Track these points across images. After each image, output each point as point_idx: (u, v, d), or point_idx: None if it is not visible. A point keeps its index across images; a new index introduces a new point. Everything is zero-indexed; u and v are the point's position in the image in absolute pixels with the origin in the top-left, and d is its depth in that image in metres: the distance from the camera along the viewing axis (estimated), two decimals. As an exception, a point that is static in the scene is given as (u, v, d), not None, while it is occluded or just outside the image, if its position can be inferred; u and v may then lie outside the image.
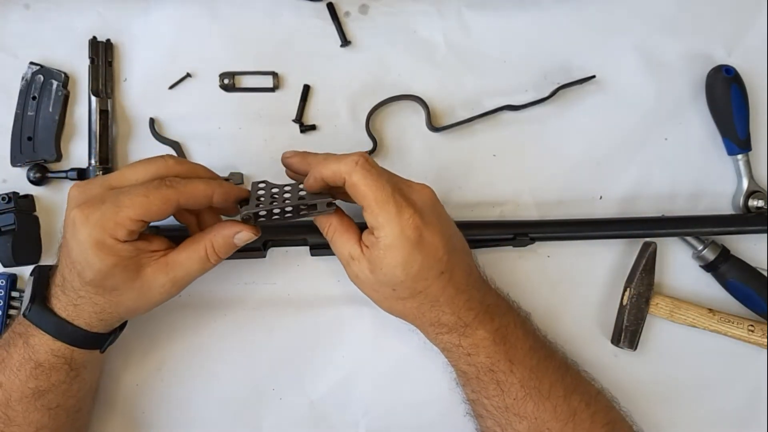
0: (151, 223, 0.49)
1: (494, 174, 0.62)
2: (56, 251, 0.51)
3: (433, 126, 0.61)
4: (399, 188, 0.48)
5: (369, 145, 0.61)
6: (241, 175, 0.61)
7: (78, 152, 0.61)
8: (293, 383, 0.61)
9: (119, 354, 0.59)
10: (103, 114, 0.60)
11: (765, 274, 0.61)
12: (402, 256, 0.47)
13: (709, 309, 0.61)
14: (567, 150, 0.63)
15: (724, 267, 0.60)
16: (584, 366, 0.59)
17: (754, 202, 0.62)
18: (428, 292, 0.49)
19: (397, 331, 0.57)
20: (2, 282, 0.59)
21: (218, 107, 0.62)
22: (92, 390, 0.56)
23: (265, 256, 0.59)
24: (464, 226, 0.55)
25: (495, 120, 0.62)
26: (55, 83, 0.60)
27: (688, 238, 0.62)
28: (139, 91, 0.62)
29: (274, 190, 0.51)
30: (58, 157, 0.60)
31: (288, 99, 0.62)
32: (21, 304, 0.59)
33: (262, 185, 0.52)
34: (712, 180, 0.63)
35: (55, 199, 0.60)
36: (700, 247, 0.61)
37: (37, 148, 0.60)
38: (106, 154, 0.60)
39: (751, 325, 0.60)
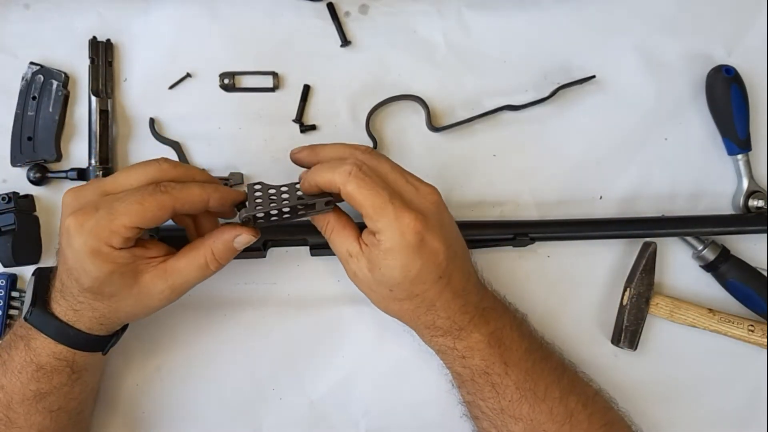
0: None
1: (494, 174, 0.62)
2: (56, 253, 0.51)
3: (433, 126, 0.61)
4: (399, 193, 0.48)
5: (369, 146, 0.61)
6: (241, 175, 0.61)
7: (78, 152, 0.61)
8: (293, 383, 0.61)
9: (119, 354, 0.59)
10: (103, 114, 0.60)
11: (765, 274, 0.61)
12: (401, 259, 0.47)
13: (709, 309, 0.61)
14: (567, 150, 0.63)
15: (724, 267, 0.60)
16: (584, 366, 0.59)
17: (754, 202, 0.62)
18: (425, 296, 0.49)
19: (397, 331, 0.57)
20: (2, 282, 0.59)
21: (218, 107, 0.62)
22: (93, 392, 0.56)
23: (265, 256, 0.59)
24: (464, 226, 0.55)
25: (495, 120, 0.62)
26: (55, 83, 0.60)
27: (688, 238, 0.62)
28: (139, 91, 0.61)
29: (271, 191, 0.51)
30: (58, 157, 0.60)
31: (288, 99, 0.62)
32: (22, 306, 0.59)
33: (258, 187, 0.51)
34: (712, 180, 0.63)
35: (55, 199, 0.61)
36: (700, 247, 0.61)
37: (37, 148, 0.60)
38: (106, 154, 0.60)
39: (751, 325, 0.60)
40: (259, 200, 0.50)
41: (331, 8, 0.62)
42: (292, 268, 0.61)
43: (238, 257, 0.52)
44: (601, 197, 0.63)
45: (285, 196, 0.50)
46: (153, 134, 0.61)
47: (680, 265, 0.63)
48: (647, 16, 0.64)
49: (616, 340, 0.61)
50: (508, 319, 0.53)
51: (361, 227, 0.50)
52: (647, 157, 0.63)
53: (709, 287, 0.62)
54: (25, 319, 0.50)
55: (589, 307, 0.62)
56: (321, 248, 0.57)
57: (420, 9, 0.63)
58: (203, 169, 0.52)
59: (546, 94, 0.62)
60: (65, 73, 0.60)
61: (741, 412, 0.62)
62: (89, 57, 0.60)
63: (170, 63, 0.61)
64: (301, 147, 0.53)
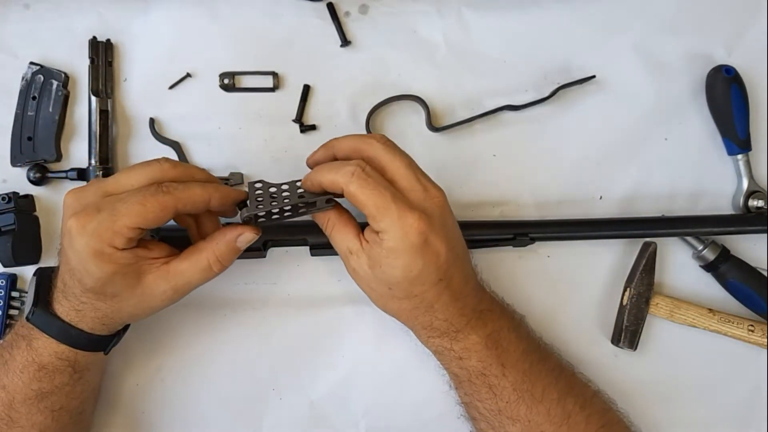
0: None
1: (494, 174, 0.62)
2: (56, 253, 0.51)
3: (433, 126, 0.61)
4: (403, 192, 0.48)
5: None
6: (241, 175, 0.61)
7: (78, 152, 0.61)
8: (293, 383, 0.61)
9: (120, 354, 0.59)
10: (103, 114, 0.60)
11: (765, 274, 0.61)
12: (404, 259, 0.47)
13: (709, 309, 0.61)
14: (567, 150, 0.63)
15: (724, 267, 0.60)
16: (584, 366, 0.59)
17: (754, 202, 0.62)
18: (424, 297, 0.49)
19: (398, 331, 0.57)
20: (2, 282, 0.59)
21: (218, 107, 0.62)
22: (95, 392, 0.56)
23: (265, 256, 0.59)
24: (464, 226, 0.55)
25: (495, 120, 0.62)
26: (55, 83, 0.60)
27: (688, 238, 0.62)
28: (139, 91, 0.61)
29: (272, 190, 0.51)
30: (58, 157, 0.60)
31: (288, 99, 0.62)
32: (22, 306, 0.59)
33: (258, 185, 0.51)
34: (712, 180, 0.63)
35: (55, 199, 0.60)
36: (700, 247, 0.61)
37: (37, 148, 0.60)
38: (106, 154, 0.60)
39: (751, 325, 0.60)
40: (260, 199, 0.50)
41: (331, 8, 0.62)
42: (292, 268, 0.61)
43: (238, 257, 0.52)
44: (601, 197, 0.63)
45: (286, 194, 0.50)
46: (153, 134, 0.61)
47: (680, 265, 0.63)
48: (647, 16, 0.64)
49: (616, 340, 0.61)
50: (505, 321, 0.53)
51: (362, 225, 0.50)
52: (647, 157, 0.63)
53: (709, 287, 0.62)
54: (27, 319, 0.50)
55: (589, 307, 0.62)
56: (321, 248, 0.57)
57: (420, 9, 0.63)
58: (204, 169, 0.52)
59: (546, 94, 0.62)
60: (65, 73, 0.60)
61: (741, 412, 0.62)
62: (89, 57, 0.60)
63: (170, 63, 0.61)
64: (315, 151, 0.53)
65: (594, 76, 0.62)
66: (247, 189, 0.51)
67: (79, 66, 0.61)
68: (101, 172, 0.59)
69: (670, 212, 0.63)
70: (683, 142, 0.63)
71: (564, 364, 0.56)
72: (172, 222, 0.52)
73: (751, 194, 0.62)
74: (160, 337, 0.60)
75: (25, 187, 0.60)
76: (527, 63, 0.63)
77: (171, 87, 0.62)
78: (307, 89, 0.62)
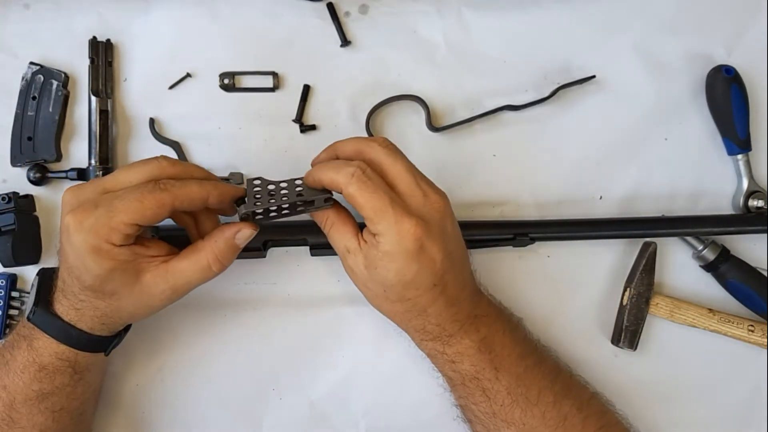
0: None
1: (494, 174, 0.62)
2: (56, 252, 0.51)
3: (433, 126, 0.61)
4: (402, 197, 0.48)
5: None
6: (241, 175, 0.61)
7: (78, 152, 0.61)
8: (293, 383, 0.61)
9: (121, 355, 0.59)
10: (103, 114, 0.60)
11: (765, 274, 0.61)
12: (398, 263, 0.47)
13: (709, 309, 0.61)
14: (567, 150, 0.63)
15: (724, 267, 0.60)
16: (584, 366, 0.59)
17: (754, 202, 0.62)
18: (417, 301, 0.49)
19: (397, 331, 0.57)
20: (2, 282, 0.59)
21: (218, 107, 0.62)
22: (96, 393, 0.56)
23: (265, 256, 0.59)
24: (464, 226, 0.55)
25: (495, 120, 0.62)
26: (55, 83, 0.60)
27: (688, 238, 0.62)
28: (139, 91, 0.62)
29: (270, 187, 0.51)
30: (58, 157, 0.60)
31: (288, 99, 0.62)
32: (25, 306, 0.59)
33: (257, 182, 0.51)
34: (712, 180, 0.63)
35: (55, 199, 0.61)
36: (700, 247, 0.61)
37: (37, 148, 0.60)
38: (106, 154, 0.60)
39: (751, 325, 0.60)
40: (258, 196, 0.50)
41: (331, 8, 0.62)
42: (292, 268, 0.61)
43: (238, 257, 0.52)
44: (601, 197, 0.63)
45: (284, 192, 0.50)
46: (153, 134, 0.61)
47: (680, 265, 0.63)
48: (647, 16, 0.64)
49: (616, 340, 0.61)
50: (500, 325, 0.53)
51: (361, 225, 0.50)
52: (647, 157, 0.63)
53: (709, 287, 0.62)
54: (28, 318, 0.50)
55: (589, 307, 0.62)
56: (321, 248, 0.57)
57: (420, 9, 0.63)
58: (202, 167, 0.52)
59: (546, 94, 0.62)
60: (65, 73, 0.60)
61: (741, 412, 0.62)
62: (89, 57, 0.60)
63: (170, 63, 0.61)
64: (319, 154, 0.53)
65: (594, 76, 0.62)
66: (245, 187, 0.51)
67: (79, 66, 0.61)
68: (101, 172, 0.59)
69: (670, 212, 0.63)
70: (683, 142, 0.63)
71: (561, 366, 0.56)
72: (171, 222, 0.52)
73: (751, 194, 0.62)
74: (161, 337, 0.60)
75: (25, 187, 0.60)
76: (527, 63, 0.63)
77: (171, 87, 0.62)
78: (307, 89, 0.62)
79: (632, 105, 0.63)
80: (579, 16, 0.63)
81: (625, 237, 0.62)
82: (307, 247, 0.58)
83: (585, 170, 0.63)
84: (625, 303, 0.60)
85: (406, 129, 0.62)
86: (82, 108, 0.61)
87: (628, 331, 0.60)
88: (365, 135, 0.61)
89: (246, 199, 0.50)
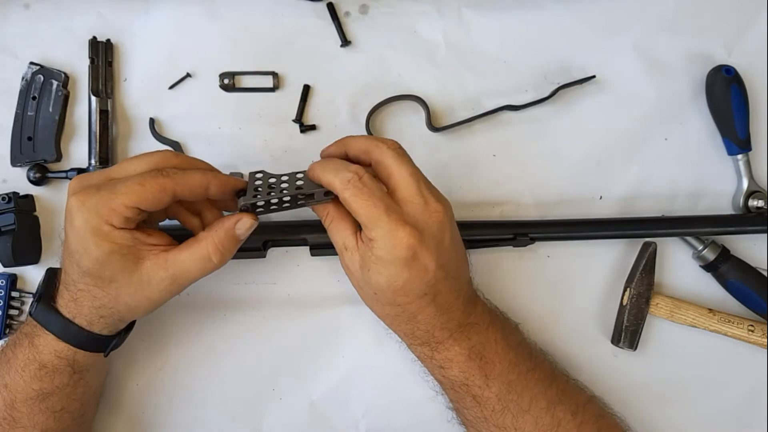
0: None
1: (494, 174, 0.62)
2: (56, 251, 0.51)
3: (433, 126, 0.61)
4: (399, 205, 0.48)
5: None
6: (241, 174, 0.61)
7: (78, 152, 0.61)
8: (293, 383, 0.61)
9: (121, 355, 0.59)
10: (103, 114, 0.60)
11: (765, 274, 0.61)
12: (390, 270, 0.47)
13: (709, 309, 0.61)
14: (567, 150, 0.63)
15: (724, 267, 0.60)
16: (584, 366, 0.59)
17: (754, 202, 0.62)
18: (406, 308, 0.49)
19: (397, 331, 0.57)
20: (2, 282, 0.59)
21: (218, 107, 0.62)
22: (96, 394, 0.56)
23: (265, 256, 0.59)
24: (464, 226, 0.55)
25: (495, 120, 0.62)
26: (55, 83, 0.60)
27: (688, 238, 0.62)
28: (139, 91, 0.62)
29: (272, 180, 0.51)
30: (58, 157, 0.60)
31: (288, 99, 0.62)
32: (22, 306, 0.60)
33: (259, 175, 0.52)
34: (712, 180, 0.63)
35: (55, 199, 0.61)
36: (700, 247, 0.61)
37: (37, 148, 0.60)
38: (106, 154, 0.60)
39: (751, 325, 0.60)
40: (259, 189, 0.50)
41: (331, 8, 0.62)
42: (292, 268, 0.61)
43: (238, 257, 0.52)
44: (601, 197, 0.63)
45: (285, 185, 0.50)
46: (153, 134, 0.61)
47: (680, 265, 0.63)
48: (647, 16, 0.64)
49: (616, 340, 0.61)
50: (493, 333, 0.52)
51: None
52: (647, 157, 0.63)
53: (709, 287, 0.62)
54: (30, 314, 0.50)
55: (589, 307, 0.62)
56: (321, 248, 0.57)
57: (420, 9, 0.63)
58: (205, 161, 0.52)
59: (546, 94, 0.62)
60: (65, 73, 0.60)
61: (741, 412, 0.62)
62: (89, 57, 0.60)
63: (170, 63, 0.61)
64: (329, 145, 0.53)
65: (594, 77, 0.62)
66: (247, 179, 0.52)
67: (79, 66, 0.61)
68: (101, 172, 0.59)
69: (670, 212, 0.63)
70: (683, 142, 0.63)
71: (557, 371, 0.55)
72: (177, 223, 0.52)
73: (751, 194, 0.62)
74: (161, 337, 0.60)
75: (25, 187, 0.60)
76: (527, 63, 0.63)
77: (171, 87, 0.62)
78: (307, 89, 0.62)
79: (632, 105, 0.63)
80: (579, 16, 0.63)
81: (625, 237, 0.62)
82: (307, 247, 0.58)
83: (585, 170, 0.63)
84: (625, 303, 0.60)
85: (406, 129, 0.62)
86: (82, 108, 0.61)
87: (628, 331, 0.60)
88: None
89: (246, 191, 0.50)
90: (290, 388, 0.61)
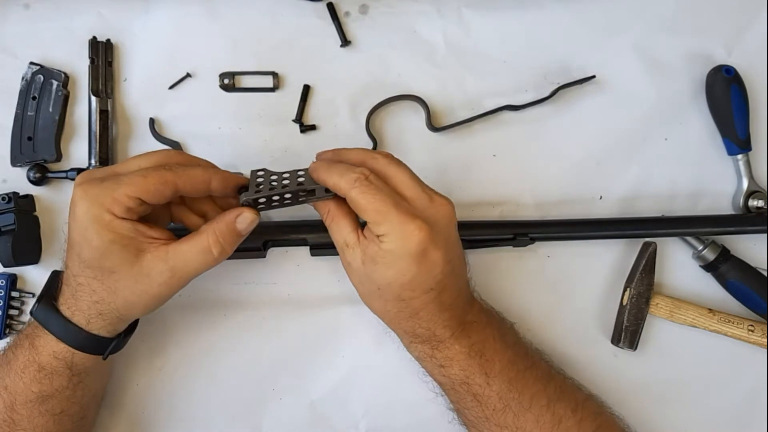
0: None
1: (494, 174, 0.62)
2: (56, 251, 0.51)
3: (433, 126, 0.61)
4: (407, 201, 0.48)
5: (369, 146, 0.61)
6: (242, 175, 0.61)
7: (78, 152, 0.61)
8: (293, 383, 0.61)
9: (121, 355, 0.58)
10: (103, 114, 0.60)
11: (765, 274, 0.61)
12: (399, 263, 0.47)
13: (709, 309, 0.61)
14: (567, 150, 0.63)
15: (724, 267, 0.60)
16: (584, 366, 0.59)
17: (754, 202, 0.62)
18: (410, 303, 0.49)
19: (397, 331, 0.57)
20: (2, 282, 0.59)
21: (218, 107, 0.62)
22: (97, 398, 0.56)
23: (265, 256, 0.59)
24: (464, 226, 0.55)
25: (495, 120, 0.62)
26: (55, 83, 0.60)
27: (688, 238, 0.62)
28: (139, 91, 0.62)
29: (273, 178, 0.51)
30: (58, 157, 0.60)
31: (288, 99, 0.62)
32: (22, 306, 0.60)
33: (261, 173, 0.52)
34: (712, 180, 0.63)
35: (55, 199, 0.61)
36: (700, 247, 0.61)
37: (37, 148, 0.60)
38: (106, 154, 0.60)
39: (751, 325, 0.60)
40: (261, 186, 0.51)
41: (331, 8, 0.62)
42: (292, 268, 0.61)
43: (237, 257, 0.52)
44: (601, 197, 0.63)
45: (286, 182, 0.51)
46: (153, 134, 0.61)
47: (680, 265, 0.63)
48: (647, 16, 0.64)
49: (615, 340, 0.61)
50: (491, 331, 0.53)
51: (363, 223, 0.50)
52: (647, 157, 0.63)
53: (709, 287, 0.62)
54: (31, 312, 0.50)
55: (589, 307, 0.62)
56: (321, 248, 0.57)
57: (420, 9, 0.63)
58: (208, 160, 0.52)
59: (546, 94, 0.62)
60: (65, 73, 0.60)
61: (741, 412, 0.62)
62: (89, 57, 0.60)
63: (170, 63, 0.61)
64: (325, 150, 0.54)
65: (594, 76, 0.62)
66: (249, 176, 0.52)
67: (79, 66, 0.61)
68: (101, 172, 0.59)
69: (670, 212, 0.63)
70: (683, 142, 0.63)
71: (554, 370, 0.56)
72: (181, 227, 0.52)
73: (751, 194, 0.62)
74: (161, 337, 0.60)
75: (25, 187, 0.60)
76: (527, 63, 0.63)
77: (171, 87, 0.62)
78: (307, 89, 0.62)
79: (632, 105, 0.63)
80: (579, 16, 0.63)
81: (625, 237, 0.62)
82: (307, 247, 0.58)
83: (585, 170, 0.63)
84: (625, 303, 0.60)
85: (406, 129, 0.62)
86: (82, 108, 0.61)
87: (628, 331, 0.60)
88: (365, 135, 0.61)
89: (248, 187, 0.50)
90: (290, 388, 0.61)
